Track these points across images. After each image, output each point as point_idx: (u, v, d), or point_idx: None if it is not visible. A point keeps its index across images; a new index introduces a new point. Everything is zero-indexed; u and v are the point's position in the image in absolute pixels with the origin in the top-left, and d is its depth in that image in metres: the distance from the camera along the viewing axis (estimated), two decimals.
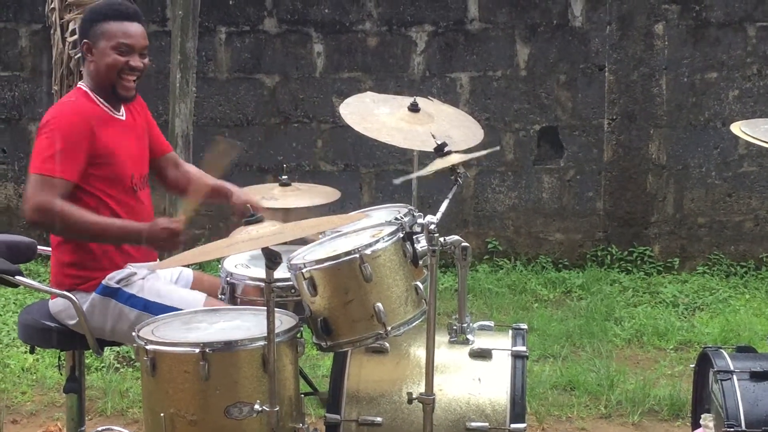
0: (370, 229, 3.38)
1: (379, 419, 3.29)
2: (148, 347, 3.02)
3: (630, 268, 7.39)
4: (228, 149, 3.79)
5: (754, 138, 3.70)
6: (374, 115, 3.76)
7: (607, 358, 5.58)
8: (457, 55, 7.50)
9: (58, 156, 3.40)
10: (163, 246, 3.54)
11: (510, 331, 3.54)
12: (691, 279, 7.20)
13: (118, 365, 5.41)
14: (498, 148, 4.28)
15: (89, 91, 3.62)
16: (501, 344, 3.47)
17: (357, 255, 3.11)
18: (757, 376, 3.42)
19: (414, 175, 3.78)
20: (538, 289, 6.99)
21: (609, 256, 7.47)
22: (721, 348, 3.65)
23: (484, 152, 3.72)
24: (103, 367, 5.37)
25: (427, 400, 3.12)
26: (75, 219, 3.40)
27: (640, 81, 7.43)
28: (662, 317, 6.30)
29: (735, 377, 3.42)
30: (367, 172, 7.58)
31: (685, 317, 6.41)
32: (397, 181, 3.81)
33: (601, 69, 7.44)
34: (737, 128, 3.83)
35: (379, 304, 3.12)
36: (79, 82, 3.72)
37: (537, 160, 7.55)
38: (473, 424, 3.27)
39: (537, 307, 6.62)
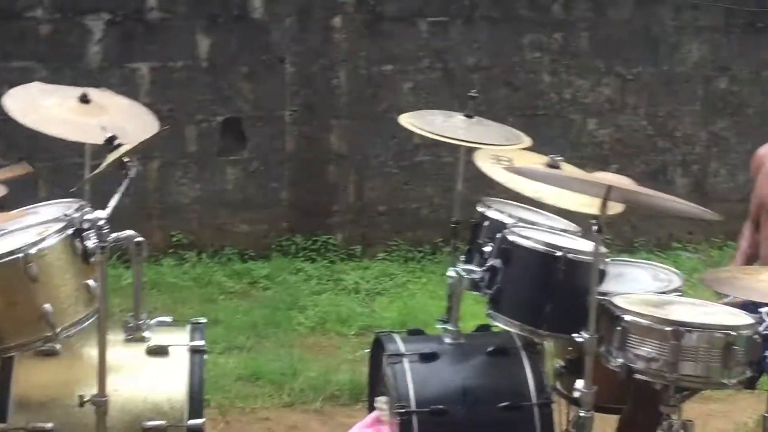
0: (36, 226, 3.24)
1: (49, 425, 3.17)
2: None
3: (314, 257, 7.50)
4: None
5: (419, 128, 3.88)
6: (42, 106, 3.63)
7: (291, 346, 5.67)
8: (137, 44, 7.31)
9: None
10: None
11: (188, 326, 3.52)
12: (372, 265, 7.40)
13: None
14: (167, 127, 4.17)
15: None
16: (179, 340, 3.44)
17: (21, 254, 2.98)
18: (426, 358, 3.60)
19: (87, 178, 3.67)
20: (223, 281, 6.96)
21: (294, 246, 7.55)
22: (393, 332, 3.80)
23: (150, 135, 3.66)
24: None
25: (100, 401, 3.04)
26: None
27: (320, 73, 7.57)
28: (344, 304, 6.46)
29: (405, 360, 3.57)
30: (43, 166, 7.24)
31: (366, 303, 6.61)
32: (74, 189, 3.70)
33: (282, 61, 7.52)
34: (405, 120, 4.00)
35: (48, 305, 3.00)
36: None
37: (221, 151, 7.52)
38: (149, 423, 3.22)
39: (222, 300, 6.61)
